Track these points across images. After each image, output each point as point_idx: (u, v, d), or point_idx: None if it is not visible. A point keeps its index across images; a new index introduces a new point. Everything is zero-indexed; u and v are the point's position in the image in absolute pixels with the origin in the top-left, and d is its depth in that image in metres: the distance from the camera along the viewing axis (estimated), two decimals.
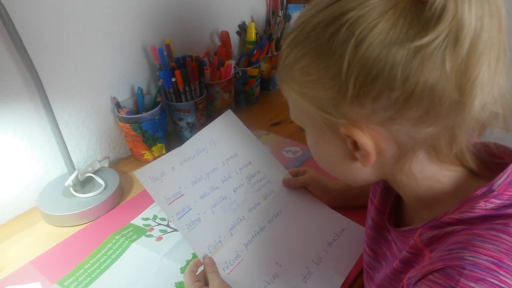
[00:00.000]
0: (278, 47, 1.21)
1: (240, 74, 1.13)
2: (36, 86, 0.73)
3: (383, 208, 0.54)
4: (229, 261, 0.65)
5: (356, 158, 0.42)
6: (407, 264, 0.44)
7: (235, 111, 1.08)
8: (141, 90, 0.95)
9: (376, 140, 0.39)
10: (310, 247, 0.68)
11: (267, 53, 1.18)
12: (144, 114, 0.90)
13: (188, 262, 0.68)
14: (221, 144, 0.76)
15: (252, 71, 1.14)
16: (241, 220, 0.71)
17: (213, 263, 0.63)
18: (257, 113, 1.15)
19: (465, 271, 0.33)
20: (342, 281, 0.63)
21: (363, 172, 0.44)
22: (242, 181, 0.75)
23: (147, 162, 0.97)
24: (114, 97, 0.93)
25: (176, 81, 0.93)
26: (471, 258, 0.34)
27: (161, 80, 0.94)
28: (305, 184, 0.78)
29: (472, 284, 0.33)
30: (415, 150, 0.40)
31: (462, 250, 0.35)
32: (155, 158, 0.97)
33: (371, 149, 0.39)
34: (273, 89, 1.27)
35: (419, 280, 0.37)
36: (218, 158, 0.75)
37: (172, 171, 0.70)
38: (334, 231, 0.72)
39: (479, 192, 0.38)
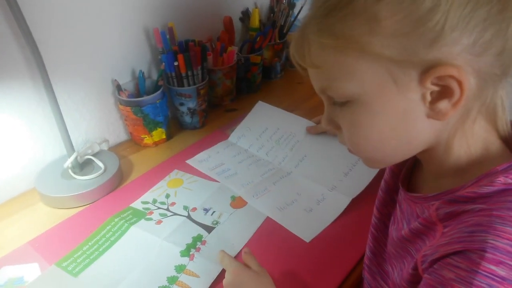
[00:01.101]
0: (281, 35, 1.20)
1: (243, 61, 1.12)
2: (37, 64, 0.72)
3: (397, 170, 0.53)
4: (259, 192, 0.79)
5: (428, 114, 0.38)
6: (417, 235, 0.44)
7: (236, 98, 1.08)
8: (143, 73, 0.93)
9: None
10: (327, 179, 0.80)
11: (270, 41, 1.16)
12: (145, 98, 0.89)
13: (188, 245, 0.67)
14: (254, 126, 0.97)
15: (255, 58, 1.13)
16: (270, 170, 0.85)
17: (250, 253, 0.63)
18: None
19: (486, 254, 0.33)
20: (349, 201, 0.74)
21: (422, 135, 0.41)
22: (273, 145, 0.91)
23: (146, 146, 0.96)
24: (115, 80, 0.91)
25: (178, 65, 0.92)
26: (492, 242, 0.34)
27: (163, 63, 0.92)
28: (324, 130, 0.89)
29: (493, 267, 0.33)
30: (486, 100, 0.38)
31: (483, 234, 0.34)
32: (155, 143, 0.96)
33: (469, 89, 0.36)
34: (275, 77, 1.26)
35: (435, 261, 0.37)
36: (253, 136, 0.95)
37: (217, 154, 0.91)
38: (351, 161, 0.82)
39: (500, 167, 0.38)
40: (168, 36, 0.94)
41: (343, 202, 0.74)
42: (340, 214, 0.72)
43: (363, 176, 0.78)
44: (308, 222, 0.71)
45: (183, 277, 0.62)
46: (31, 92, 0.79)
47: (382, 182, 0.56)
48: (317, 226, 0.70)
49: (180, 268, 0.64)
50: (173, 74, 0.94)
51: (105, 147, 0.93)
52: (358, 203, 0.74)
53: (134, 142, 0.98)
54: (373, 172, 0.77)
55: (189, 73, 0.94)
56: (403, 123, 0.40)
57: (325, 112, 0.47)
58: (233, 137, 0.96)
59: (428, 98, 0.38)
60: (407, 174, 0.52)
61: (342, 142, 0.47)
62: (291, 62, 1.32)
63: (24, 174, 0.83)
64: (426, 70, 0.36)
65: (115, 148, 0.97)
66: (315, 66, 0.41)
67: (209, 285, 0.61)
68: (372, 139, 0.42)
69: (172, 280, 0.62)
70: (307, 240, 0.67)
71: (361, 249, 0.65)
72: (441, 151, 0.42)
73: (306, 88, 1.20)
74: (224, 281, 0.57)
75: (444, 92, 0.37)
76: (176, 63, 0.92)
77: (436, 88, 0.37)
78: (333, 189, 0.78)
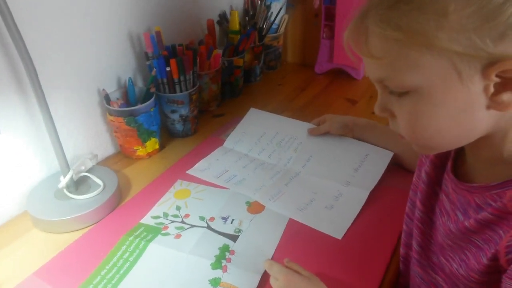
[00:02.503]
0: (260, 37, 1.19)
1: (226, 64, 1.10)
2: (30, 76, 0.65)
3: (439, 162, 0.54)
4: (273, 194, 0.77)
5: (489, 106, 0.39)
6: (486, 226, 0.44)
7: (221, 103, 1.11)
8: (132, 80, 0.88)
9: None
10: (339, 175, 0.80)
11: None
12: (139, 106, 0.84)
13: (217, 257, 0.64)
14: (251, 131, 0.95)
15: (238, 61, 1.11)
16: (278, 172, 0.84)
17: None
18: (245, 105, 1.11)
19: None
20: (367, 194, 0.75)
21: (481, 124, 0.41)
22: (274, 148, 0.90)
23: (139, 158, 0.91)
24: (103, 89, 0.85)
25: (170, 70, 0.88)
26: None
27: (155, 69, 0.87)
28: (326, 131, 0.90)
29: None
30: None
31: None
32: (148, 154, 0.91)
33: None
34: (254, 80, 1.25)
35: None
36: (251, 140, 0.93)
37: (217, 161, 0.88)
38: (359, 158, 0.84)
39: None
40: (156, 41, 0.90)
41: (362, 195, 0.75)
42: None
43: (375, 169, 0.79)
44: (333, 219, 0.71)
45: None
46: (17, 106, 0.72)
47: (423, 175, 0.56)
48: (344, 222, 0.70)
49: (216, 282, 0.60)
50: (165, 80, 0.89)
51: (94, 162, 0.86)
52: (374, 195, 0.75)
53: (124, 155, 0.92)
54: (384, 165, 0.79)
55: (182, 78, 0.90)
56: (463, 114, 0.41)
57: (378, 100, 0.47)
58: (229, 142, 0.93)
59: (491, 90, 0.38)
60: (453, 165, 0.52)
61: (395, 129, 0.47)
62: (268, 65, 1.32)
63: (11, 198, 0.75)
64: (492, 63, 0.36)
65: (104, 163, 0.90)
66: (373, 57, 0.41)
67: None
68: (430, 129, 0.43)
69: None
70: (339, 236, 0.67)
71: (392, 240, 0.66)
72: (498, 139, 0.43)
73: (288, 90, 1.21)
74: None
75: (507, 84, 0.37)
76: (168, 68, 0.87)
77: (499, 80, 0.37)
78: (348, 184, 0.78)
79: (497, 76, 0.37)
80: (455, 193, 0.50)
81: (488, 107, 0.39)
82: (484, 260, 0.44)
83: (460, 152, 0.52)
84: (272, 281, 0.57)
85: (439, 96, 0.40)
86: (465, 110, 0.40)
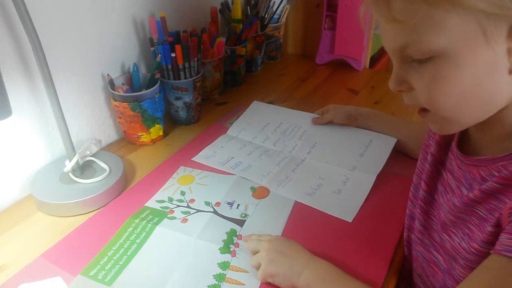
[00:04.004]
0: (262, 26, 1.19)
1: (229, 53, 1.09)
2: (38, 59, 0.64)
3: (443, 142, 0.55)
4: (281, 180, 0.78)
5: (510, 70, 0.39)
6: (491, 195, 0.44)
7: (223, 92, 1.12)
8: (136, 66, 0.88)
9: None
10: (345, 161, 0.82)
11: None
12: (144, 92, 0.84)
13: (225, 242, 0.64)
14: (254, 121, 0.96)
15: (240, 50, 1.11)
16: (284, 158, 0.84)
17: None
18: (247, 94, 1.13)
19: None
20: (374, 178, 0.76)
21: (502, 92, 0.42)
22: (279, 136, 0.91)
23: (143, 145, 0.91)
24: (108, 74, 0.84)
25: (175, 57, 0.87)
26: None
27: (159, 55, 0.87)
28: (330, 120, 0.91)
29: None
30: None
31: None
32: (152, 140, 0.91)
33: None
34: (255, 70, 1.25)
35: None
36: (256, 129, 0.94)
37: (221, 148, 0.88)
38: (363, 143, 0.85)
39: None
40: (161, 27, 0.89)
41: (369, 179, 0.76)
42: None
43: (379, 154, 0.81)
44: (342, 203, 0.72)
45: (230, 274, 0.60)
46: (23, 89, 0.71)
47: (429, 157, 0.57)
48: (353, 205, 0.71)
49: (225, 265, 0.61)
50: (169, 66, 0.89)
51: (98, 148, 0.86)
52: (379, 181, 0.76)
53: (127, 141, 0.92)
54: (388, 149, 0.81)
55: (186, 65, 0.90)
56: (486, 77, 0.41)
57: (394, 74, 0.46)
58: (233, 130, 0.94)
59: None
60: (457, 141, 0.53)
61: (411, 102, 0.47)
62: (269, 55, 1.32)
63: (16, 181, 0.74)
64: None
65: (107, 149, 0.89)
66: (397, 20, 0.41)
67: None
68: (454, 95, 0.42)
69: (220, 278, 0.59)
70: (349, 219, 0.68)
71: (398, 225, 0.67)
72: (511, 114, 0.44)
73: (289, 80, 1.21)
74: (269, 249, 0.59)
75: None
76: (173, 55, 0.87)
77: None
78: (354, 169, 0.79)
79: None
80: (460, 170, 0.51)
81: (510, 72, 0.40)
82: (488, 228, 0.44)
83: (465, 131, 0.52)
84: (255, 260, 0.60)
85: (463, 57, 0.40)
86: (488, 73, 0.40)
